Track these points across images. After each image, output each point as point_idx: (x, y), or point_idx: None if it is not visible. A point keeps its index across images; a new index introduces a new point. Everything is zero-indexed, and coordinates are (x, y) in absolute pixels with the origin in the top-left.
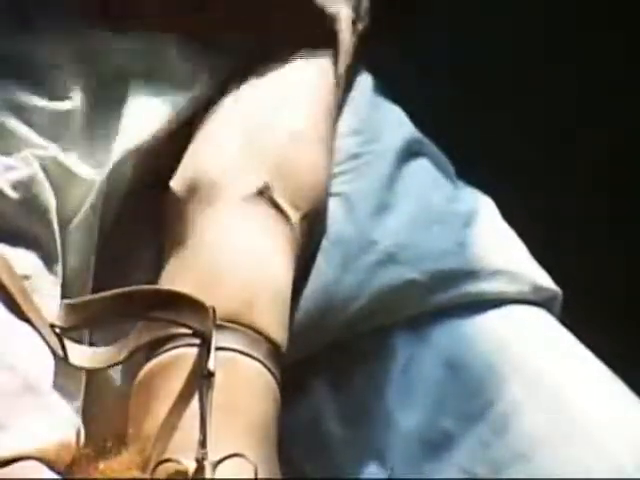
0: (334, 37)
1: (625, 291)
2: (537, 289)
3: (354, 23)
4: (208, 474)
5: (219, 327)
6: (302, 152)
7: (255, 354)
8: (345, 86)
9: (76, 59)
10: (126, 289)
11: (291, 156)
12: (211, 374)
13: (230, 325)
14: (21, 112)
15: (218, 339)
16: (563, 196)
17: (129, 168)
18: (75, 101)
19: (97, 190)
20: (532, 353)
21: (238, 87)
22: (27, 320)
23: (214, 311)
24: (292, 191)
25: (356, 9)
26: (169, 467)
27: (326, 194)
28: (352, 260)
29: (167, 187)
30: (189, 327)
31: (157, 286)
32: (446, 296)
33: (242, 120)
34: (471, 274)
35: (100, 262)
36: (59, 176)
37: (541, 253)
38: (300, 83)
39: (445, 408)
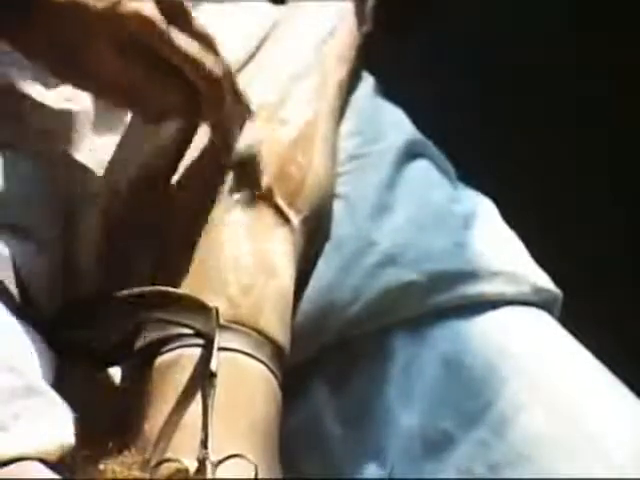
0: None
1: (625, 291)
2: (537, 290)
3: (359, 24)
4: (209, 474)
5: (222, 328)
6: (304, 154)
7: (258, 355)
8: (348, 88)
9: None
10: (128, 290)
11: (293, 158)
12: (213, 374)
13: (233, 326)
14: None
15: (221, 340)
16: (563, 196)
17: (131, 166)
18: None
19: (99, 188)
20: (532, 354)
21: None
22: (27, 319)
23: (217, 312)
24: (293, 194)
25: (360, 11)
26: (170, 467)
27: (329, 197)
28: (352, 262)
29: (168, 187)
30: (192, 327)
31: (159, 287)
32: (446, 297)
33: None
34: (471, 275)
35: (102, 262)
36: (62, 173)
37: (541, 253)
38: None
39: (445, 409)
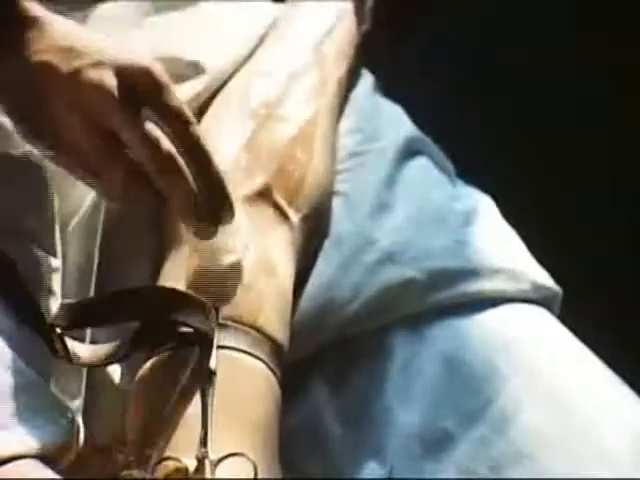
0: None
1: (625, 290)
2: (537, 288)
3: (359, 23)
4: (208, 473)
5: (221, 326)
6: (304, 151)
7: (257, 353)
8: (347, 86)
9: None
10: (127, 288)
11: (292, 156)
12: (213, 373)
13: (232, 324)
14: None
15: (220, 338)
16: (563, 196)
17: None
18: None
19: None
20: (532, 352)
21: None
22: (28, 319)
23: (217, 310)
24: (293, 192)
25: (359, 9)
26: (169, 465)
27: (329, 194)
28: (351, 259)
29: None
30: (191, 326)
31: (159, 285)
32: (446, 295)
33: (243, 120)
34: (471, 273)
35: (101, 261)
36: (61, 174)
37: (541, 253)
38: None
39: (445, 407)
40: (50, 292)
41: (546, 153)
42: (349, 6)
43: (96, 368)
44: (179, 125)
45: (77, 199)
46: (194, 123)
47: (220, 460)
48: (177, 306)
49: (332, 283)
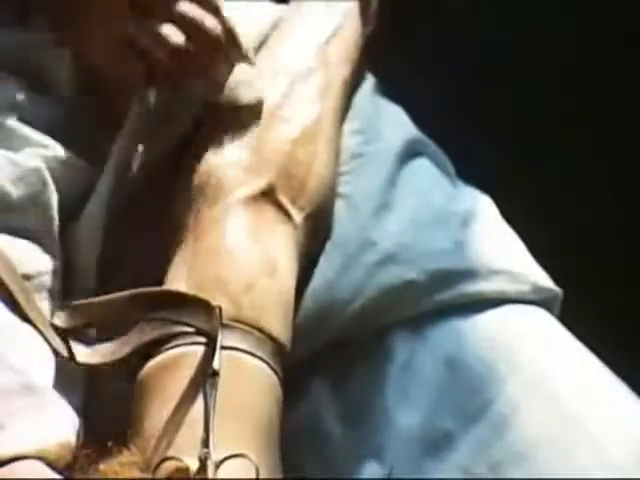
0: None
1: (625, 291)
2: (537, 289)
3: (364, 25)
4: (210, 474)
5: (224, 326)
6: (308, 152)
7: (260, 354)
8: (352, 88)
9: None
10: (131, 291)
11: (296, 156)
12: (216, 373)
13: (235, 325)
14: (21, 110)
15: (223, 338)
16: (563, 196)
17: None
18: (75, 96)
19: (102, 188)
20: (531, 353)
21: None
22: (28, 320)
23: (220, 310)
24: (296, 192)
25: (364, 12)
26: (171, 466)
27: (331, 194)
28: (352, 260)
29: (172, 187)
30: (194, 326)
31: (163, 287)
32: (446, 296)
33: (247, 119)
34: (471, 274)
35: (104, 261)
36: (61, 173)
37: (541, 253)
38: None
39: (444, 408)
40: (52, 292)
41: (546, 153)
42: (355, 7)
43: (97, 368)
44: None
45: (79, 197)
46: None
47: (222, 461)
48: (181, 307)
49: (333, 283)
